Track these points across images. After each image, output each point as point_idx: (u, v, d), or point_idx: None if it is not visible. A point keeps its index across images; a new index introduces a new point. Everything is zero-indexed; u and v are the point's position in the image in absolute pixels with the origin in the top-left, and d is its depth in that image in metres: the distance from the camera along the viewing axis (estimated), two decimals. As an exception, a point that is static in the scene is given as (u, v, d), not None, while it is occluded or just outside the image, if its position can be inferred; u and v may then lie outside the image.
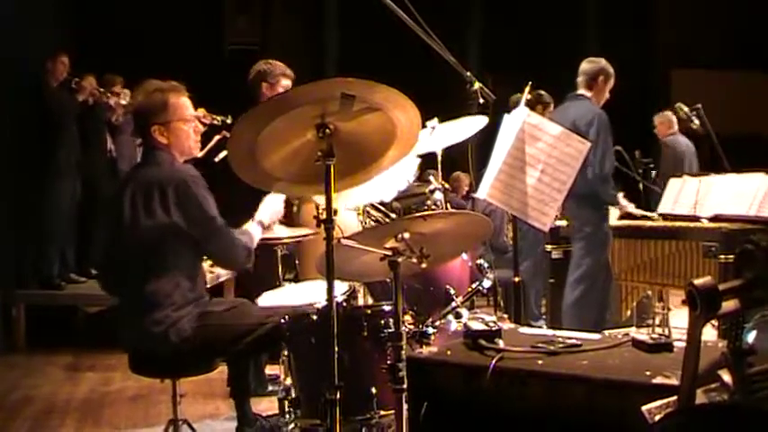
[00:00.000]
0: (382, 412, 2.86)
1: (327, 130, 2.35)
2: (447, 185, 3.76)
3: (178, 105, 3.18)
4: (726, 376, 1.72)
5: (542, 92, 5.63)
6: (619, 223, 5.20)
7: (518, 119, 3.59)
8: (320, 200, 2.67)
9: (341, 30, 9.55)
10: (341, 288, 3.25)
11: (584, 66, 4.97)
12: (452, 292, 3.29)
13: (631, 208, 5.18)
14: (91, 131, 6.69)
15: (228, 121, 5.61)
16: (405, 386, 2.42)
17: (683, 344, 1.74)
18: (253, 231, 3.26)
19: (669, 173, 6.10)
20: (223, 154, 4.63)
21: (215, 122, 6.37)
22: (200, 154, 6.12)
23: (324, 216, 2.36)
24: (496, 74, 7.36)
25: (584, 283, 4.79)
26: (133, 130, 5.14)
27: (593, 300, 4.78)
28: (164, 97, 3.16)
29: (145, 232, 3.06)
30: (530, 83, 3.89)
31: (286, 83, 4.56)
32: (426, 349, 2.70)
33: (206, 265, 3.36)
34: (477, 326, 2.50)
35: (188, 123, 3.22)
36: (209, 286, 3.40)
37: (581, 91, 4.96)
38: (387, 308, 2.96)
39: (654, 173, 6.68)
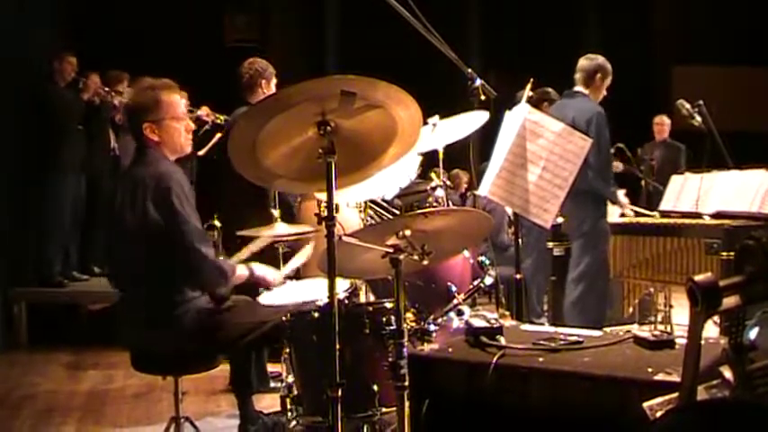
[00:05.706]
0: (384, 409, 2.87)
1: (328, 128, 2.34)
2: (449, 182, 3.75)
3: (170, 103, 3.14)
4: (727, 373, 1.72)
5: (549, 89, 5.56)
6: (620, 220, 5.19)
7: (519, 116, 3.59)
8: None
9: (341, 26, 9.54)
10: (342, 285, 3.25)
11: (582, 62, 4.85)
12: (454, 289, 3.30)
13: (627, 210, 5.16)
14: (95, 130, 6.68)
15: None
16: (406, 383, 2.42)
17: (685, 341, 1.74)
18: (238, 267, 3.19)
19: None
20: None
21: (217, 121, 6.38)
22: (201, 152, 6.17)
23: (325, 213, 2.36)
24: (498, 71, 7.36)
25: (584, 282, 4.77)
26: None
27: (593, 298, 4.77)
28: (155, 95, 3.12)
29: (138, 230, 3.04)
30: (531, 80, 3.88)
31: (275, 81, 4.68)
32: (428, 346, 2.70)
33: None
34: (478, 323, 2.49)
35: (180, 121, 3.18)
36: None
37: (578, 88, 4.85)
38: (388, 305, 2.97)
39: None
